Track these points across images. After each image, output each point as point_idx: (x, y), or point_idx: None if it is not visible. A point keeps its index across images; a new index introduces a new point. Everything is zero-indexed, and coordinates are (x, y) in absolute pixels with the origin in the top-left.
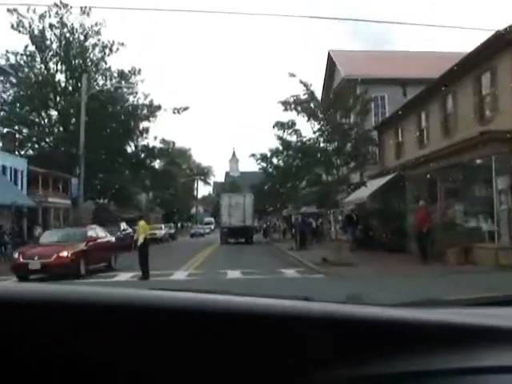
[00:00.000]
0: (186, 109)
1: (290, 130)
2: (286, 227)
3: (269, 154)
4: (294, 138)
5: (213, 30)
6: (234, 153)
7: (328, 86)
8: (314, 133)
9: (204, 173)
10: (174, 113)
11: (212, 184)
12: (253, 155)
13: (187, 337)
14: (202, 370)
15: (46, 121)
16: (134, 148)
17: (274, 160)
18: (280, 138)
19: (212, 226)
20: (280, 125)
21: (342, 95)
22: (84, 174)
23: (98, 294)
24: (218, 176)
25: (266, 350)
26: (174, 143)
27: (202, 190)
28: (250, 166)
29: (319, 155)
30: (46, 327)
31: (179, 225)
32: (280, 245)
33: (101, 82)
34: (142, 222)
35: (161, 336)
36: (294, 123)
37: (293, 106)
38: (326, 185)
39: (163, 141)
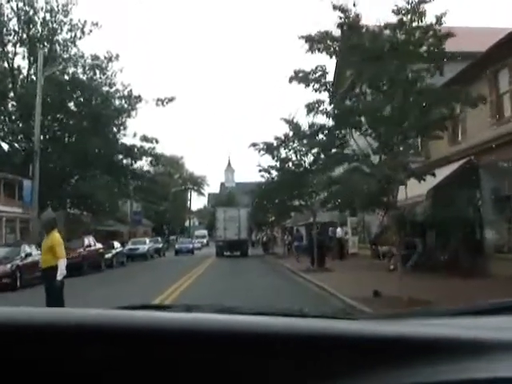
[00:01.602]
0: (171, 100)
1: (317, 85)
2: (291, 240)
3: (275, 143)
4: (324, 97)
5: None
6: (229, 162)
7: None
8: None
9: (197, 183)
10: (157, 105)
11: (207, 195)
12: (254, 145)
13: (184, 359)
14: None
15: (4, 115)
16: (107, 147)
17: (282, 152)
18: (289, 122)
19: (205, 240)
20: (303, 76)
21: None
22: (48, 178)
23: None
24: (213, 187)
25: (259, 369)
26: (157, 140)
27: (196, 201)
28: (247, 176)
29: (367, 122)
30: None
31: (170, 238)
32: (287, 262)
33: (71, 70)
34: (56, 236)
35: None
36: (324, 70)
37: (322, 45)
38: (382, 170)
39: (144, 138)
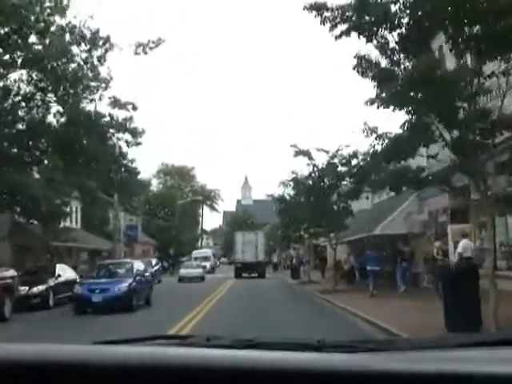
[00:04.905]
0: (158, 44)
1: None
2: (350, 267)
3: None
4: None
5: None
6: (246, 179)
7: None
8: None
9: (211, 197)
10: (136, 53)
11: (222, 214)
12: (318, 9)
13: None
14: None
15: None
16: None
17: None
18: None
19: (208, 264)
20: None
21: None
22: None
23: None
24: (228, 204)
25: None
26: (134, 106)
27: (210, 219)
28: (265, 194)
29: None
30: None
31: (180, 260)
32: (361, 310)
33: None
34: None
35: None
36: None
37: None
38: None
39: (115, 103)
